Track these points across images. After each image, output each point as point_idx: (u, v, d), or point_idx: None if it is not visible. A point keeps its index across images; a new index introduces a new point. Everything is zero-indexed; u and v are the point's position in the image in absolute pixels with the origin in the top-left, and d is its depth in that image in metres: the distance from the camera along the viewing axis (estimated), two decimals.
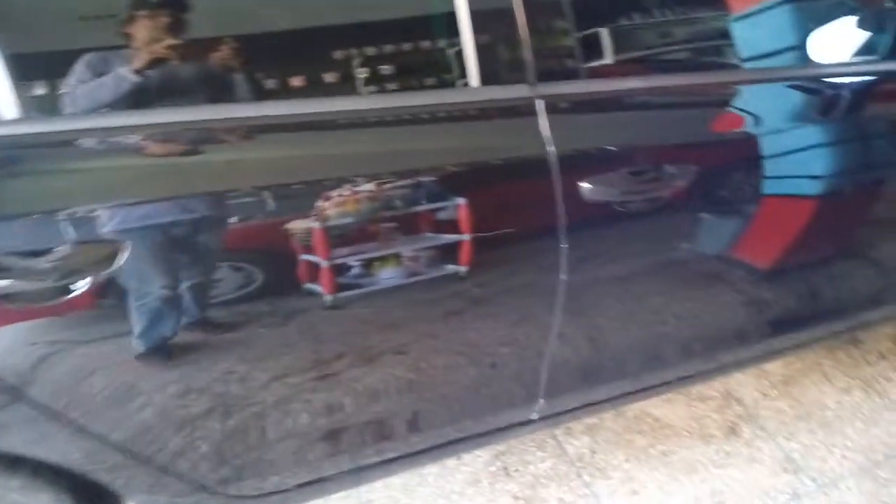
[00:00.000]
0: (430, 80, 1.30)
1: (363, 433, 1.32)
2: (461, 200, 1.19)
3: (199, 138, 1.08)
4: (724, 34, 1.49)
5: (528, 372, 1.41)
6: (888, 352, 2.41)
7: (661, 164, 1.32)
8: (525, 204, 1.25)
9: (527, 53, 1.21)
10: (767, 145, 1.41)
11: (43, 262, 0.95)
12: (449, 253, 1.21)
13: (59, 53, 1.04)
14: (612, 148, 1.27)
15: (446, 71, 1.24)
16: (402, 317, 1.25)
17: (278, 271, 1.13)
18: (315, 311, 1.16)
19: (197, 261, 1.08)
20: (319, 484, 1.36)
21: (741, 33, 1.46)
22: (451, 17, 1.18)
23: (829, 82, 1.52)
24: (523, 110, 1.22)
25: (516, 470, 1.93)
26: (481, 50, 1.19)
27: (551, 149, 1.20)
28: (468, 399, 1.40)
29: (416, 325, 1.27)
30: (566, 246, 1.24)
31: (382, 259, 1.19)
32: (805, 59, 1.49)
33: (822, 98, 1.53)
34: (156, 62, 1.06)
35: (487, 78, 1.20)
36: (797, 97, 1.50)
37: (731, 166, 1.46)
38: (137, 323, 1.04)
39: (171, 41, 1.06)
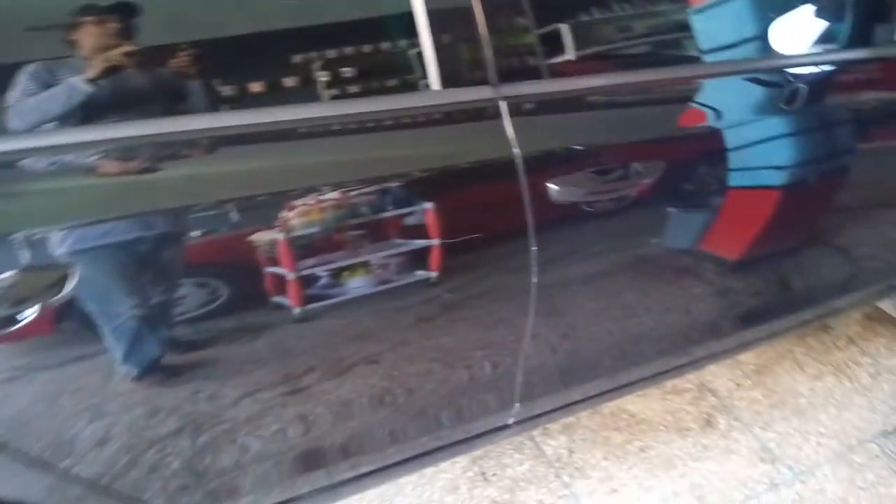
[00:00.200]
0: (391, 83, 1.27)
1: (338, 448, 1.29)
2: (428, 205, 1.16)
3: (157, 154, 1.03)
4: (685, 27, 1.49)
5: (504, 377, 1.39)
6: (857, 336, 2.45)
7: (628, 161, 1.31)
8: (493, 207, 1.24)
9: (487, 53, 1.19)
10: (731, 138, 1.42)
11: None
12: (418, 259, 1.19)
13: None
14: (578, 147, 1.26)
15: (408, 73, 1.22)
16: (373, 326, 1.22)
17: (244, 286, 1.09)
18: (283, 325, 1.13)
19: (159, 278, 1.04)
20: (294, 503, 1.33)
21: (701, 26, 1.46)
22: (409, 18, 1.16)
23: (790, 73, 1.53)
24: (487, 112, 1.20)
25: (494, 474, 1.91)
26: (441, 51, 1.17)
27: (516, 150, 1.18)
28: (443, 407, 1.38)
29: (388, 333, 1.24)
30: (536, 248, 1.23)
31: (351, 268, 1.16)
32: (767, 50, 1.50)
33: (784, 89, 1.53)
34: (111, 70, 1.01)
35: (448, 80, 1.18)
36: (758, 89, 1.51)
37: (697, 160, 1.46)
38: (117, 347, 1.00)
39: (127, 48, 1.01)
